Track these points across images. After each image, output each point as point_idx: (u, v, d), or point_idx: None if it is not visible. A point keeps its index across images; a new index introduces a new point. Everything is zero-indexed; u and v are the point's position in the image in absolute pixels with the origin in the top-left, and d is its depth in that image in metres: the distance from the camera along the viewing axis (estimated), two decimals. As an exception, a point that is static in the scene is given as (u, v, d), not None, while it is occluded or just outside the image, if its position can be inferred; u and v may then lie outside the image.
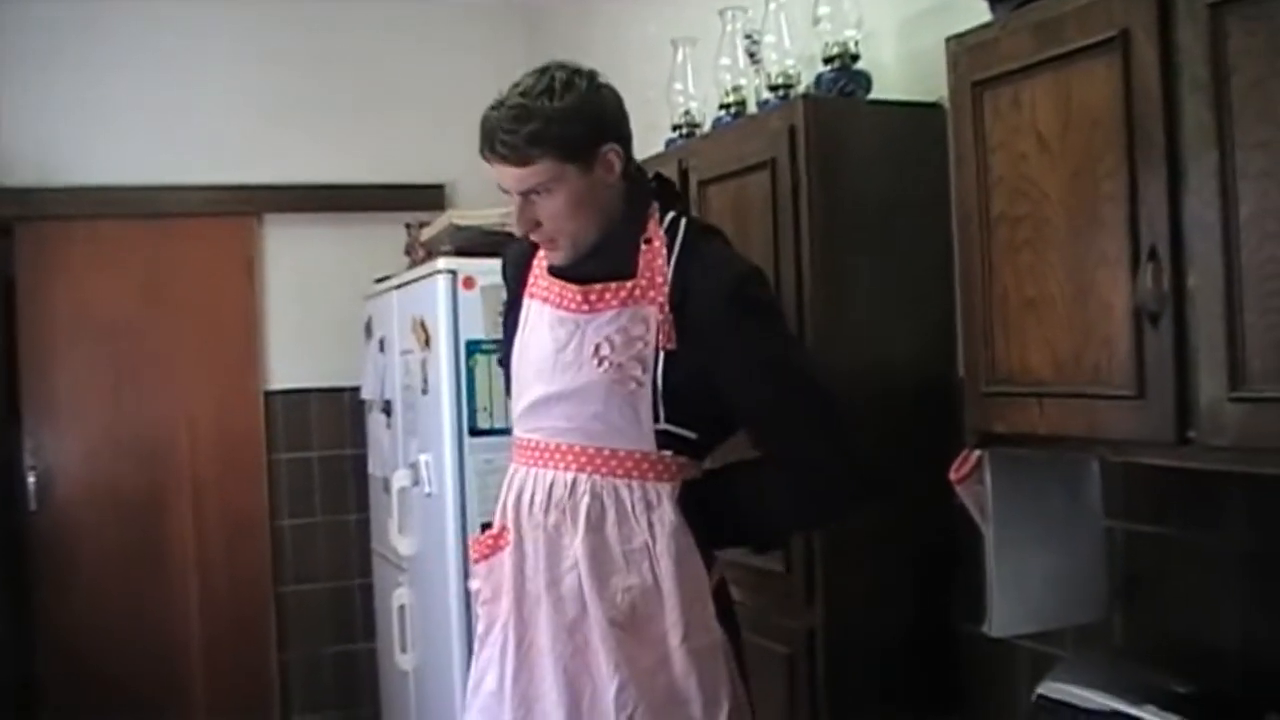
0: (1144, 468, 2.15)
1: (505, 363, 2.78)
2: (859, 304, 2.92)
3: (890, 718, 2.92)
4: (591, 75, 2.38)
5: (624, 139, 2.42)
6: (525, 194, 2.34)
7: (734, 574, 3.05)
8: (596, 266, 2.40)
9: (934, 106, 2.94)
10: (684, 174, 3.36)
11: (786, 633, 2.98)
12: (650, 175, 2.55)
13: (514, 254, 2.67)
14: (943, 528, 2.86)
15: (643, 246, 2.39)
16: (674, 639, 2.34)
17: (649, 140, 3.73)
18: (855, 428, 2.41)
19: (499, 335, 2.98)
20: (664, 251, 2.38)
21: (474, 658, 2.57)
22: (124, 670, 5.62)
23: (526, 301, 2.54)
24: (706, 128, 3.65)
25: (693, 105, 3.73)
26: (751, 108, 3.44)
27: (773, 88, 3.24)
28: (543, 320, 2.47)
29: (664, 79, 3.78)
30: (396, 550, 4.97)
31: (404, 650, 4.98)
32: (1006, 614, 2.44)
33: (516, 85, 2.33)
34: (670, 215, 2.44)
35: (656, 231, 2.41)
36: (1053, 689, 2.36)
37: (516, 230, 2.43)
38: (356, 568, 5.99)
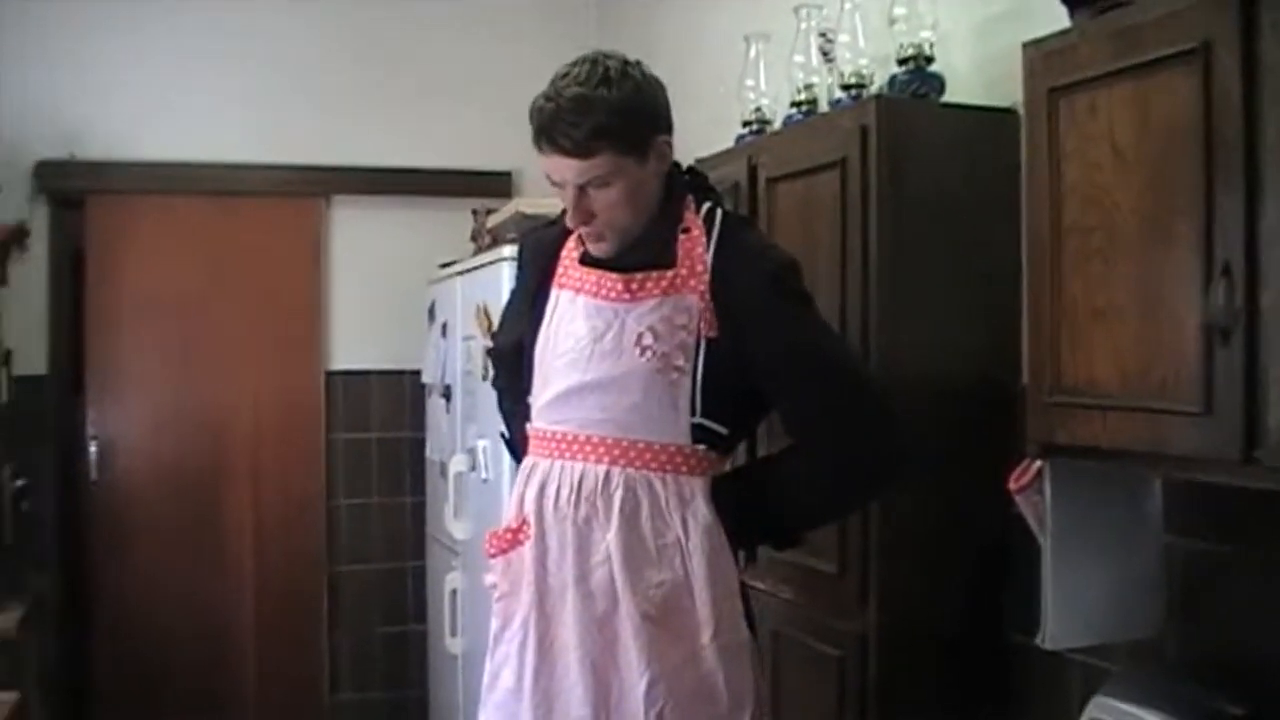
0: (1207, 485, 2.12)
1: (499, 351, 2.77)
2: (924, 307, 2.89)
3: (941, 724, 2.90)
4: (639, 65, 2.38)
5: (671, 129, 2.41)
6: (582, 186, 2.32)
7: (785, 573, 3.07)
8: (636, 256, 2.39)
9: (1007, 112, 2.91)
10: (753, 171, 3.35)
11: (838, 635, 2.96)
12: (683, 168, 2.53)
13: (536, 243, 2.66)
14: (999, 536, 2.84)
15: (681, 236, 2.38)
16: (704, 635, 2.33)
17: (717, 135, 3.73)
18: (892, 413, 2.41)
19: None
20: (703, 240, 2.38)
21: (488, 655, 2.52)
22: (176, 642, 5.70)
23: (555, 292, 2.50)
24: (777, 125, 3.63)
25: (764, 102, 3.71)
26: (823, 106, 3.42)
27: (845, 87, 3.22)
28: (575, 310, 2.43)
29: (735, 74, 3.77)
30: (451, 534, 4.99)
31: (454, 634, 5.01)
32: (1061, 626, 2.42)
33: (565, 75, 2.30)
34: (706, 205, 2.43)
35: (695, 221, 2.40)
36: (1104, 705, 2.33)
37: (570, 222, 2.40)
38: (410, 550, 6.02)
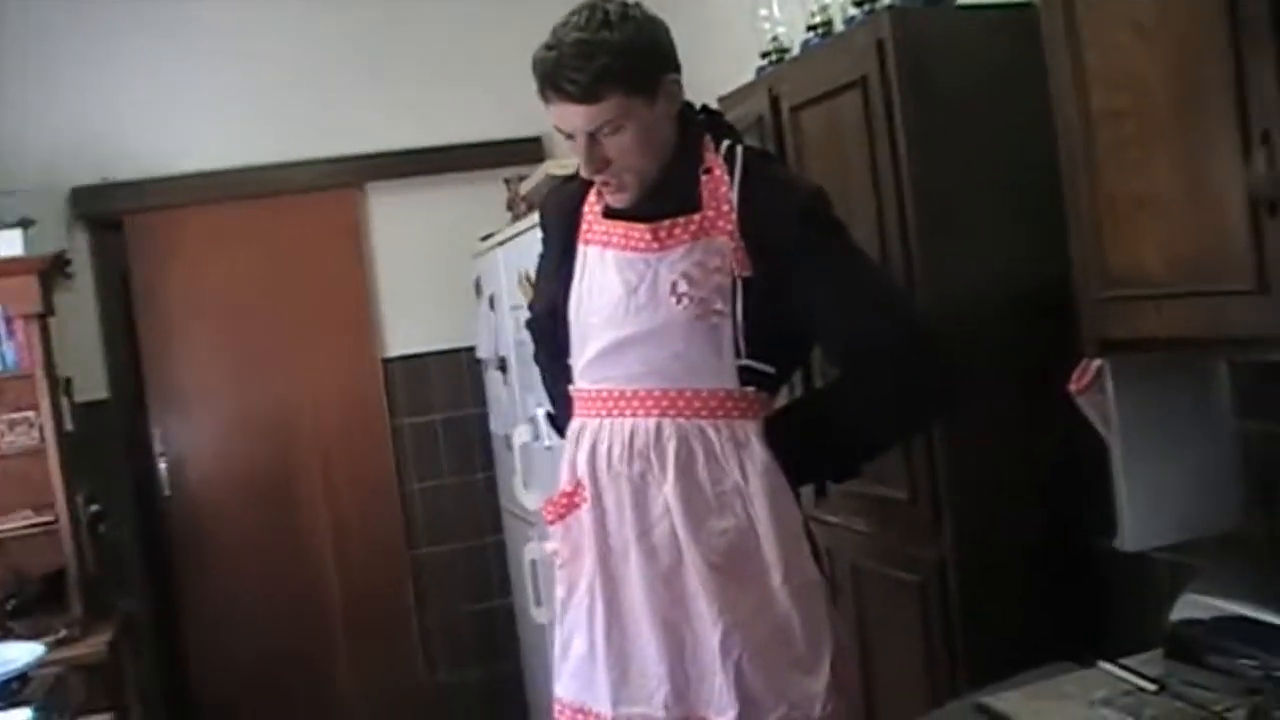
0: (1273, 364, 2.05)
1: (535, 318, 2.74)
2: (963, 218, 2.82)
3: (1028, 640, 2.82)
4: (639, 6, 2.31)
5: (679, 69, 2.35)
6: (592, 134, 2.26)
7: (857, 506, 3.02)
8: (659, 203, 2.33)
9: (1026, 7, 2.81)
10: (774, 101, 3.28)
11: (916, 561, 2.92)
12: (698, 108, 2.47)
13: (557, 201, 2.60)
14: (1067, 443, 2.77)
15: (703, 177, 2.32)
16: (774, 579, 2.28)
17: (735, 72, 3.66)
18: (935, 334, 2.38)
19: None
20: (726, 179, 2.31)
21: (557, 624, 2.49)
22: (267, 644, 5.74)
23: (582, 249, 2.44)
24: (795, 52, 3.55)
25: (780, 30, 3.63)
26: (839, 26, 3.33)
27: (858, 3, 3.13)
28: (606, 265, 2.37)
29: (750, 6, 3.68)
30: (523, 505, 4.97)
31: (538, 604, 4.99)
32: (1139, 527, 2.35)
33: (564, 24, 2.25)
34: (725, 144, 2.37)
35: (715, 161, 2.34)
36: (1193, 602, 2.27)
37: (584, 172, 2.34)
38: (488, 525, 6.03)
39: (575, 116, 2.24)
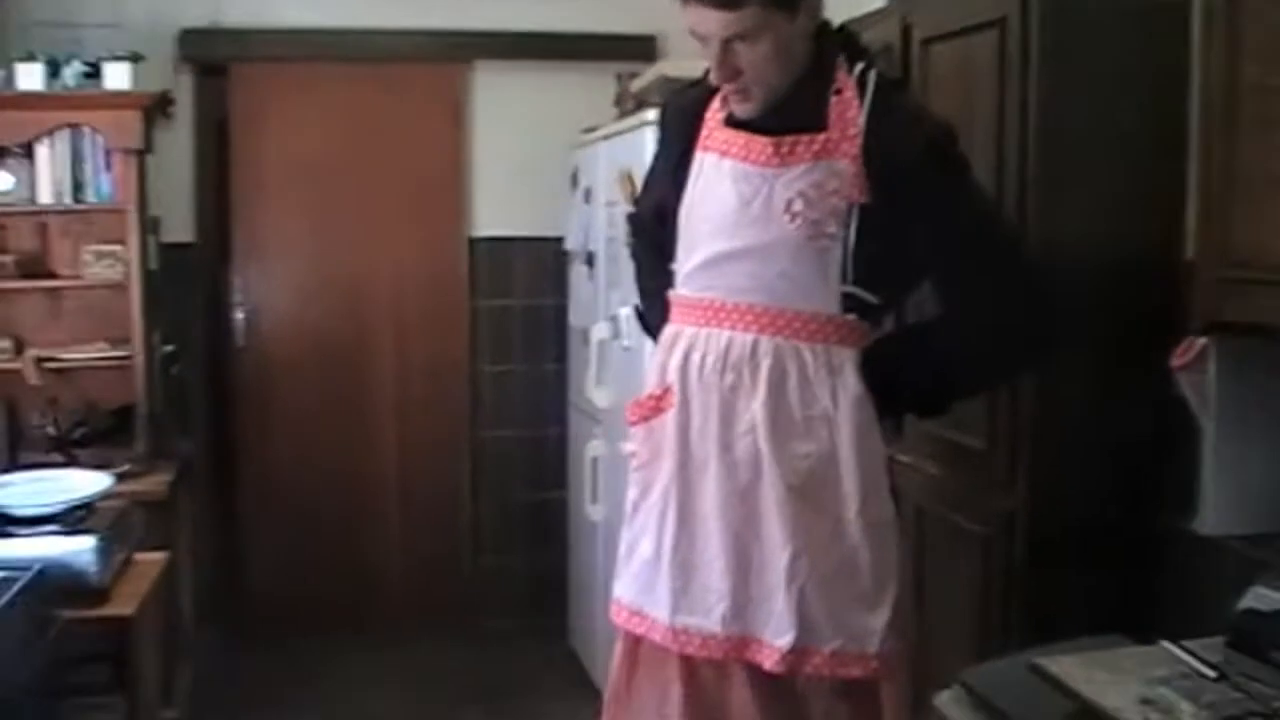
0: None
1: (639, 216, 2.71)
2: (1086, 174, 2.77)
3: (1086, 608, 2.81)
4: None
5: None
6: (728, 41, 2.21)
7: (931, 448, 3.00)
8: (785, 118, 2.29)
9: (1183, -34, 2.75)
10: (906, 31, 3.22)
11: (985, 513, 2.90)
12: (835, 27, 2.41)
13: (679, 104, 2.56)
14: (1157, 414, 2.73)
15: (832, 99, 2.28)
16: (850, 510, 2.26)
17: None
18: (1048, 284, 2.35)
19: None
20: (855, 103, 2.27)
21: (626, 524, 2.49)
22: (320, 505, 5.82)
23: (699, 155, 2.41)
24: (931, -16, 3.48)
25: (919, -41, 3.56)
26: (982, -38, 3.26)
27: (1006, -58, 3.06)
28: (722, 174, 2.34)
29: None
30: (593, 402, 4.99)
31: (594, 501, 5.03)
32: (1221, 512, 2.34)
33: None
34: (859, 67, 2.32)
35: (847, 83, 2.29)
36: (1263, 596, 2.24)
37: (714, 78, 2.30)
38: (552, 416, 6.03)
39: (712, 22, 2.20)
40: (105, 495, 3.50)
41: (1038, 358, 2.48)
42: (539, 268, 5.99)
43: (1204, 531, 2.35)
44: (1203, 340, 2.30)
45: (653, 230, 2.59)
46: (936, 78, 3.09)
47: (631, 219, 2.80)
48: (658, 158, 2.65)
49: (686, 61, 4.37)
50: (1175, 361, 2.34)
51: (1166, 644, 2.27)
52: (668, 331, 2.43)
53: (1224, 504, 2.32)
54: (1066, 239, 2.74)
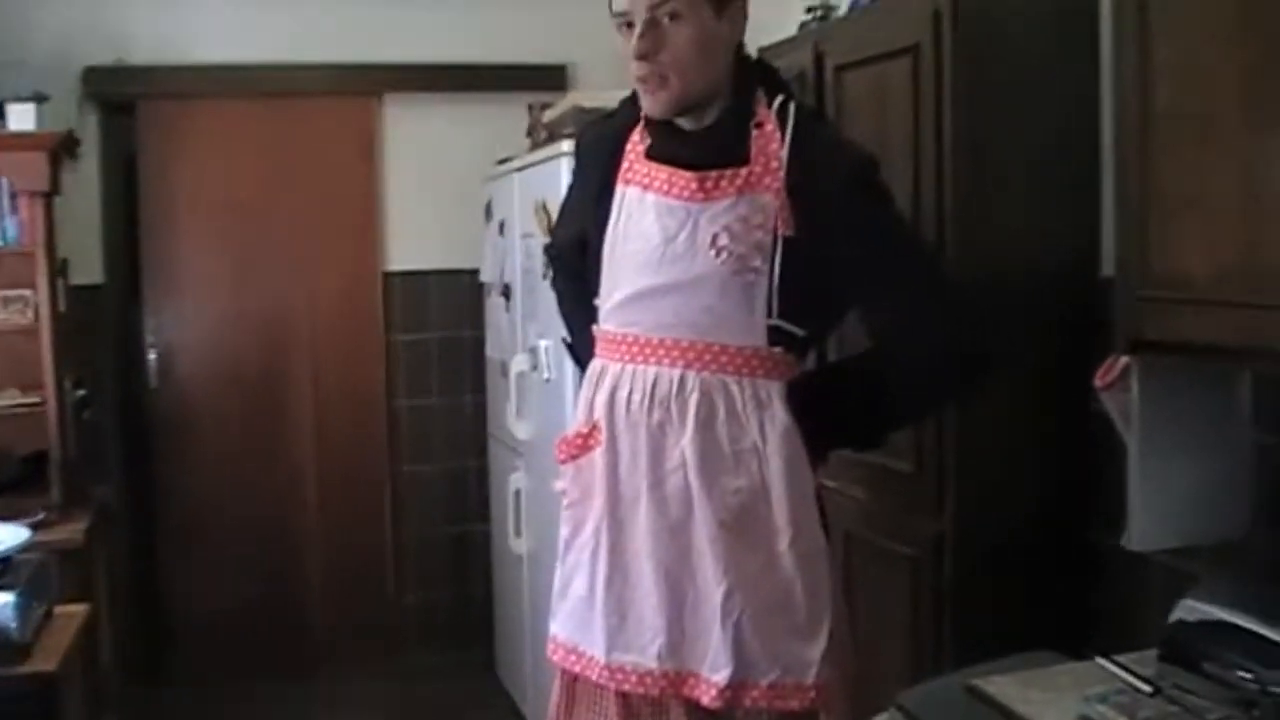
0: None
1: (558, 248, 2.69)
2: (1001, 198, 2.81)
3: (1017, 626, 2.83)
4: None
5: (747, 8, 2.31)
6: (655, 16, 2.20)
7: (859, 473, 3.01)
8: (706, 152, 2.29)
9: (1088, -9, 2.79)
10: (819, 59, 3.25)
11: (913, 535, 2.92)
12: (754, 59, 2.43)
13: (597, 136, 2.55)
14: (1081, 433, 2.77)
15: (754, 132, 2.29)
16: (781, 543, 2.25)
17: (780, 24, 3.63)
18: (976, 310, 2.36)
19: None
20: (777, 136, 2.27)
21: (559, 562, 2.46)
22: (242, 546, 5.76)
23: (621, 189, 2.38)
24: (843, 10, 3.51)
25: (828, -15, 3.60)
26: (892, -10, 3.30)
27: (916, -31, 3.10)
28: (645, 208, 2.32)
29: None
30: (513, 435, 4.96)
31: (518, 534, 5.00)
32: (1147, 527, 2.35)
33: None
34: (779, 99, 2.33)
35: (768, 115, 2.30)
36: (1192, 608, 2.28)
37: (634, 55, 2.25)
38: (472, 449, 6.01)
39: None
40: (23, 548, 3.41)
41: (971, 383, 2.50)
42: (455, 300, 5.97)
43: (1132, 547, 2.37)
44: (1125, 359, 2.32)
45: (572, 261, 2.57)
46: (850, 104, 3.11)
47: (549, 251, 2.79)
48: (574, 188, 2.64)
49: (599, 92, 4.40)
50: (1098, 380, 2.36)
51: (1101, 660, 2.29)
52: (593, 367, 2.42)
53: (1150, 520, 2.34)
54: (987, 261, 2.77)
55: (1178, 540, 2.43)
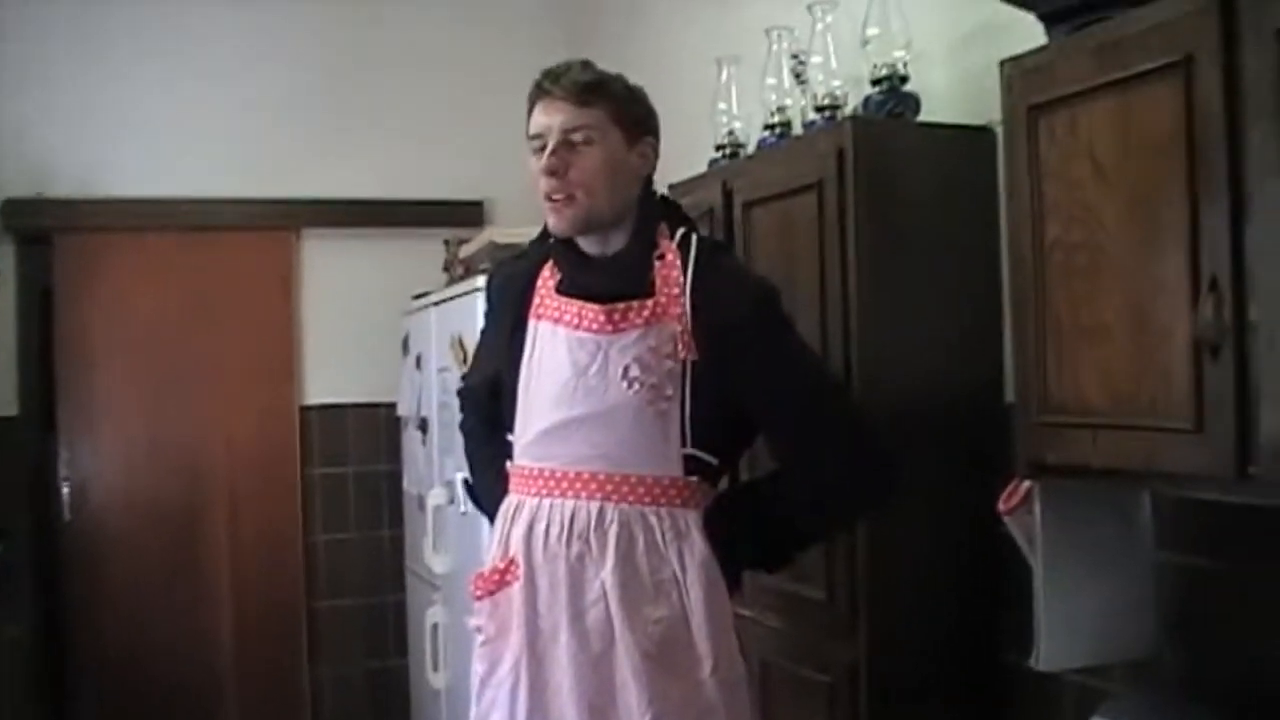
0: (1197, 500, 2.10)
1: (470, 389, 2.74)
2: (906, 329, 2.87)
3: (932, 751, 2.87)
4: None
5: (658, 148, 2.42)
6: (567, 138, 2.32)
7: (773, 601, 3.03)
8: (613, 284, 2.36)
9: (984, 130, 2.90)
10: (728, 195, 3.32)
11: (828, 662, 2.93)
12: (658, 195, 2.53)
13: (507, 276, 2.62)
14: (989, 556, 2.81)
15: (656, 264, 2.36)
16: (704, 670, 2.29)
17: (690, 160, 3.70)
18: (877, 434, 2.44)
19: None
20: (679, 266, 2.36)
21: (473, 701, 2.46)
22: (156, 682, 5.62)
23: (533, 324, 2.45)
24: (750, 149, 3.61)
25: (736, 125, 3.69)
26: (797, 129, 3.40)
27: (819, 109, 3.20)
28: (557, 342, 2.39)
29: (708, 98, 3.74)
30: (430, 568, 4.94)
31: (436, 669, 4.96)
32: (1055, 648, 2.39)
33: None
34: (680, 231, 2.41)
35: (670, 247, 2.39)
36: (1102, 726, 2.31)
37: (542, 173, 2.35)
38: (390, 584, 5.96)
39: (559, 113, 2.32)
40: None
41: (872, 508, 2.56)
42: (372, 433, 5.97)
43: (1040, 668, 2.40)
44: (1027, 483, 2.37)
45: (485, 404, 2.61)
46: (758, 238, 3.18)
47: (462, 393, 2.81)
48: (486, 331, 2.68)
49: (515, 228, 4.47)
50: (1002, 505, 2.41)
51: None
52: (509, 502, 2.44)
53: (1057, 640, 2.38)
54: (893, 387, 2.83)
55: (1085, 660, 2.47)
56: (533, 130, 2.37)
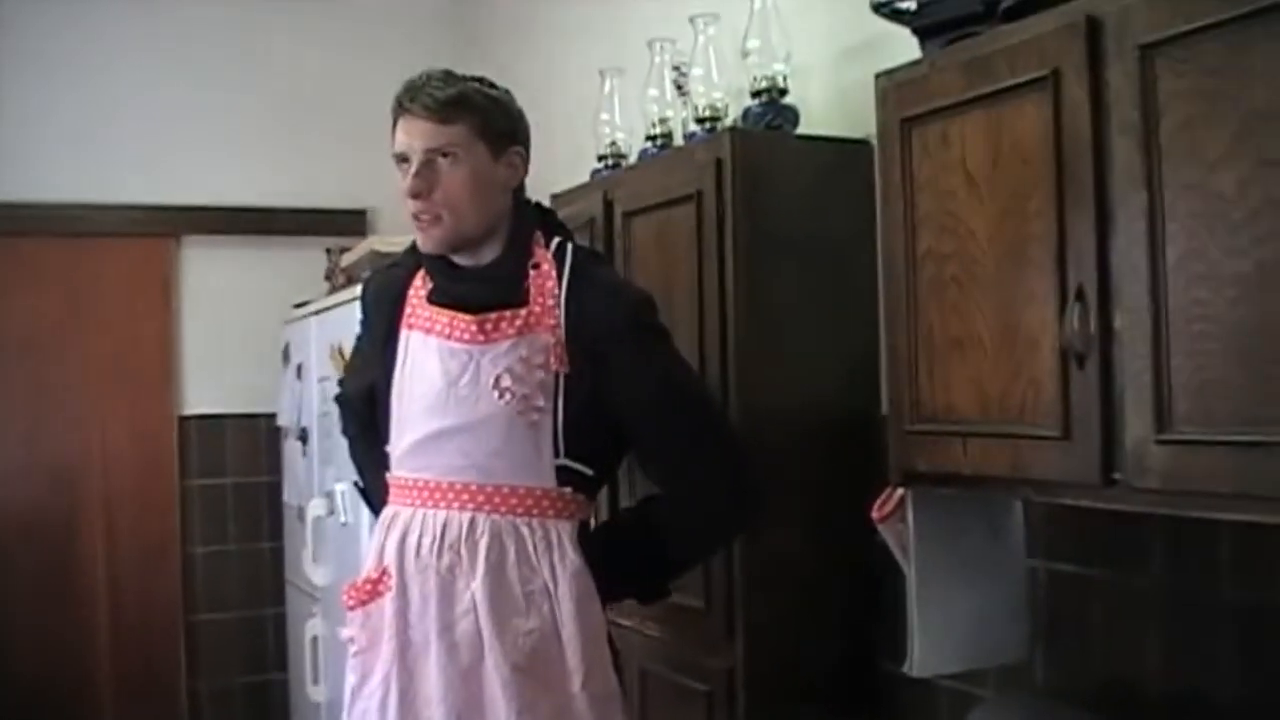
0: (1067, 508, 2.14)
1: (347, 396, 2.71)
2: (783, 338, 2.90)
3: (810, 757, 2.89)
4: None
5: (528, 154, 2.40)
6: (430, 157, 2.28)
7: (651, 610, 3.02)
8: (486, 294, 2.34)
9: (861, 143, 2.93)
10: (609, 205, 3.33)
11: (705, 670, 2.94)
12: (532, 203, 2.51)
13: (381, 284, 2.58)
14: (865, 565, 2.85)
15: (531, 273, 2.35)
16: (575, 684, 2.27)
17: (574, 170, 3.71)
18: (743, 447, 2.45)
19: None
20: (554, 276, 2.35)
21: (345, 712, 2.43)
22: (30, 695, 5.45)
23: (405, 333, 2.42)
24: (633, 159, 3.62)
25: (619, 136, 3.71)
26: (678, 140, 3.42)
27: (700, 120, 3.22)
28: (429, 352, 2.36)
29: (592, 109, 3.75)
30: (310, 580, 4.88)
31: (316, 682, 4.89)
32: (928, 654, 2.42)
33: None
34: (556, 241, 2.41)
35: (545, 256, 2.37)
36: (974, 731, 2.34)
37: (408, 193, 2.31)
38: (269, 597, 5.88)
39: (421, 132, 2.28)
40: None
41: (742, 528, 2.57)
42: (251, 444, 5.88)
43: (913, 673, 2.43)
44: (900, 491, 2.40)
45: (361, 410, 2.58)
46: (638, 248, 3.19)
47: (339, 400, 2.78)
48: (361, 339, 2.65)
49: (397, 236, 4.43)
50: (875, 513, 2.44)
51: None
52: (385, 513, 2.41)
53: (930, 646, 2.41)
54: (769, 397, 2.86)
55: (959, 665, 2.50)
56: (396, 149, 2.33)
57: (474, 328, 2.31)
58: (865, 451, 2.83)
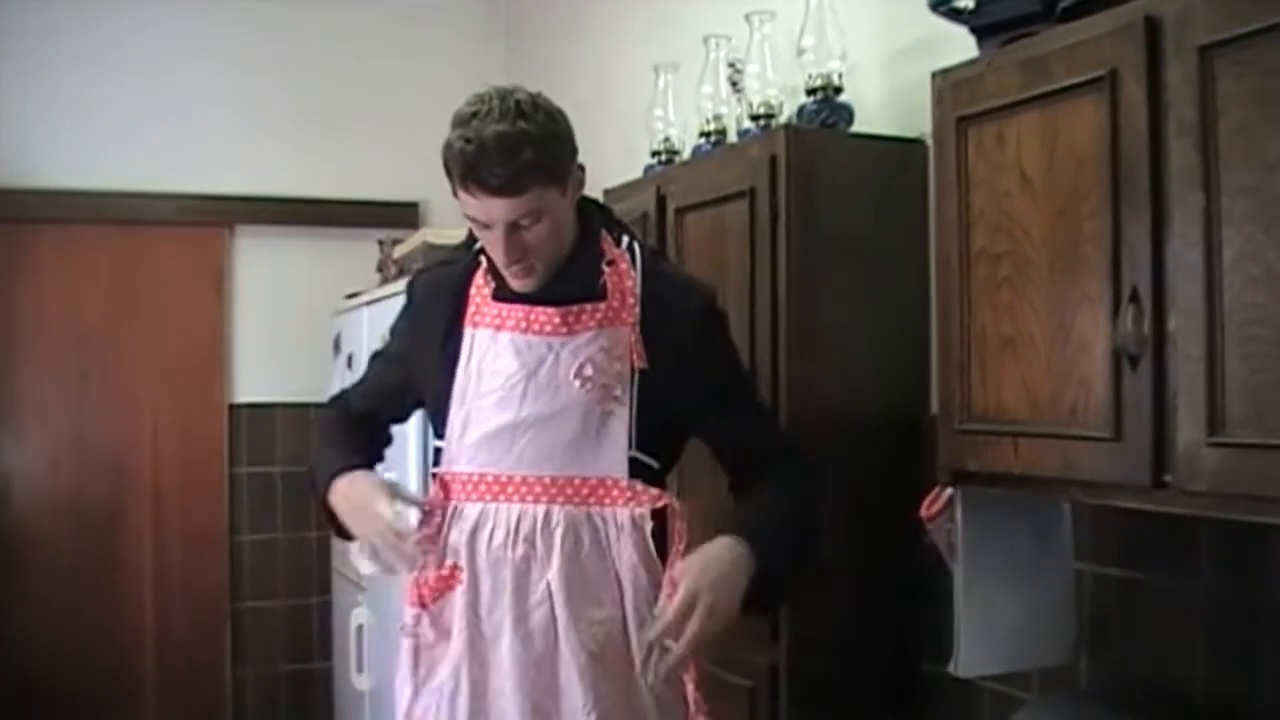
0: (1115, 510, 2.14)
1: (346, 404, 2.71)
2: (834, 336, 2.90)
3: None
4: (541, 94, 2.28)
5: (583, 164, 2.37)
6: (513, 223, 2.21)
7: (697, 605, 3.02)
8: (564, 288, 2.34)
9: (915, 142, 2.93)
10: (661, 201, 3.34)
11: (749, 666, 2.94)
12: (590, 200, 2.49)
13: (432, 282, 2.54)
14: (911, 565, 2.84)
15: (607, 268, 2.36)
16: (637, 670, 2.30)
17: (627, 166, 3.72)
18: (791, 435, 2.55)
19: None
20: (630, 273, 2.36)
21: (406, 703, 2.42)
22: (75, 681, 5.53)
23: (470, 332, 2.40)
24: (686, 155, 3.63)
25: (672, 132, 3.72)
26: (732, 137, 3.43)
27: (754, 117, 3.23)
28: (500, 348, 2.35)
29: (645, 104, 3.77)
30: (356, 570, 4.88)
31: (360, 671, 4.92)
32: (973, 654, 2.42)
33: (476, 114, 2.17)
34: (625, 238, 2.42)
35: (618, 253, 2.38)
36: (1018, 732, 2.34)
37: (502, 260, 2.27)
38: (315, 585, 5.93)
39: (497, 209, 2.18)
40: None
41: (826, 482, 2.52)
42: (301, 433, 5.89)
43: (959, 674, 2.43)
44: (949, 490, 2.40)
45: (357, 420, 2.63)
46: (690, 243, 3.20)
47: (337, 401, 2.76)
48: (404, 335, 2.62)
49: (448, 229, 4.47)
50: (924, 512, 2.44)
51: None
52: (451, 508, 2.38)
53: (976, 646, 2.41)
54: (819, 394, 2.86)
55: (1004, 666, 2.50)
56: (470, 213, 2.25)
57: (557, 319, 2.32)
58: (911, 452, 2.83)
